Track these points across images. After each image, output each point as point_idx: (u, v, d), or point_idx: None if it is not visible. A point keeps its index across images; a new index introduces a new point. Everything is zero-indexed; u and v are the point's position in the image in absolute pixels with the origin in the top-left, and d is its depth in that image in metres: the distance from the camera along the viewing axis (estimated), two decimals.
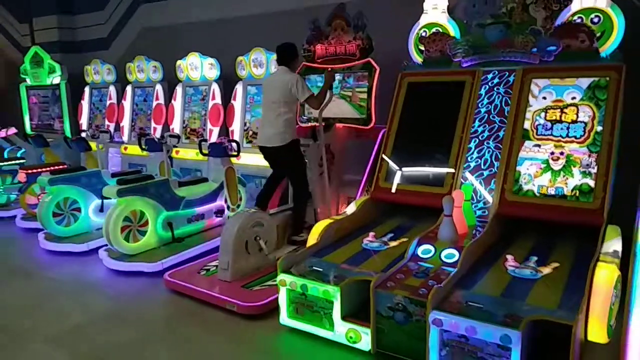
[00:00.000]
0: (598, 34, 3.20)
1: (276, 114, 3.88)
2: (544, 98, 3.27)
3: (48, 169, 5.48)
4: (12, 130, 7.02)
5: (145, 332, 3.14)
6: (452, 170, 3.43)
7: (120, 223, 4.06)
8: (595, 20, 3.26)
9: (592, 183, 2.95)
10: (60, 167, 5.68)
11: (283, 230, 4.08)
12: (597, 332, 2.31)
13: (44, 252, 4.66)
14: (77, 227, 4.83)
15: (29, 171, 5.68)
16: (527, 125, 3.27)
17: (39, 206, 4.75)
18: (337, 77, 4.43)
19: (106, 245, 4.24)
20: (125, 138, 6.83)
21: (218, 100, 5.84)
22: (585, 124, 3.07)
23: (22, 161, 6.47)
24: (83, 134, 6.60)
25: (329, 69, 4.32)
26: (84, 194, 4.86)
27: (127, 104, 6.85)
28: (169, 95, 6.38)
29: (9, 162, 6.38)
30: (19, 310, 3.52)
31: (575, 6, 3.32)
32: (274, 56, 5.14)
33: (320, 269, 2.96)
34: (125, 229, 4.09)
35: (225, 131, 5.76)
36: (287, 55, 4.00)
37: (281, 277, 2.94)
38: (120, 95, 7.03)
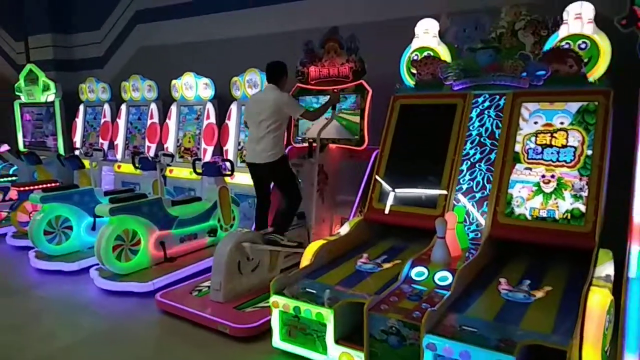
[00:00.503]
0: (586, 60, 3.27)
1: (265, 132, 3.89)
2: (535, 123, 3.32)
3: (40, 186, 5.45)
4: (5, 147, 7.00)
5: (135, 354, 3.10)
6: (445, 192, 3.46)
7: (112, 242, 4.03)
8: (583, 46, 3.34)
9: (583, 207, 2.98)
10: (53, 184, 5.65)
11: (276, 251, 4.06)
12: (592, 358, 2.30)
13: (34, 271, 4.61)
14: (68, 245, 4.79)
15: (21, 188, 5.65)
16: (517, 148, 3.31)
17: (30, 224, 4.72)
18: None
19: (97, 264, 4.20)
20: (118, 156, 6.81)
21: (212, 119, 5.87)
22: (575, 148, 3.12)
23: (14, 178, 6.43)
24: (76, 152, 6.58)
25: (335, 90, 4.37)
26: (76, 212, 4.84)
27: (121, 122, 6.86)
28: (164, 114, 6.40)
29: (1, 179, 6.34)
30: (8, 329, 3.46)
31: (563, 32, 3.40)
32: None
33: (314, 291, 2.95)
34: (117, 248, 4.06)
35: (219, 151, 5.77)
36: (277, 74, 4.02)
37: (274, 298, 2.93)
38: (115, 113, 7.04)
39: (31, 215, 5.21)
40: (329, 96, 4.30)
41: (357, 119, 4.44)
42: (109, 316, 3.64)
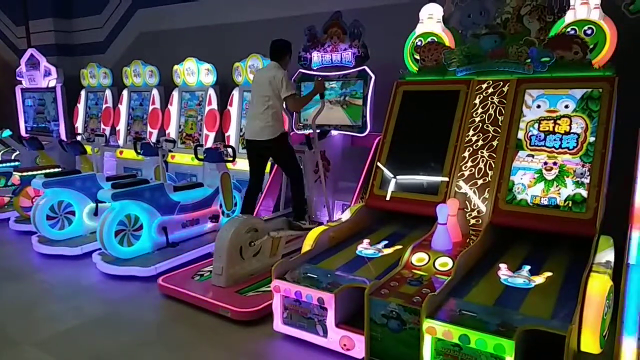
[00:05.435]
0: (591, 46, 3.24)
1: (264, 108, 3.94)
2: (538, 107, 3.30)
3: (42, 171, 5.46)
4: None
5: (137, 337, 3.13)
6: (447, 178, 3.46)
7: (115, 227, 4.05)
8: (589, 32, 3.29)
9: (584, 193, 2.98)
10: (55, 170, 5.66)
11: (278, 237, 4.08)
12: (590, 342, 2.32)
13: (37, 255, 4.64)
14: (71, 230, 4.81)
15: (23, 174, 5.66)
16: (520, 135, 3.30)
17: (33, 209, 4.73)
18: (332, 84, 4.46)
19: (100, 249, 4.22)
20: (120, 142, 6.81)
21: (214, 105, 5.86)
22: (578, 135, 3.10)
23: (16, 163, 6.44)
24: (78, 138, 6.58)
25: (319, 78, 4.35)
26: (79, 197, 4.85)
27: (123, 108, 6.85)
28: (165, 100, 6.38)
29: (3, 164, 6.36)
30: (10, 314, 3.50)
31: (568, 18, 3.36)
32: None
33: (315, 276, 2.97)
34: (119, 233, 4.08)
35: (221, 137, 5.76)
36: (280, 52, 4.08)
37: (275, 283, 2.95)
38: (117, 99, 7.02)
39: (33, 200, 5.23)
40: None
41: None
42: (111, 300, 3.67)
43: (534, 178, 3.16)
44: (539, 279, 2.69)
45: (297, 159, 4.23)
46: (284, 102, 4.10)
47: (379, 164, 3.77)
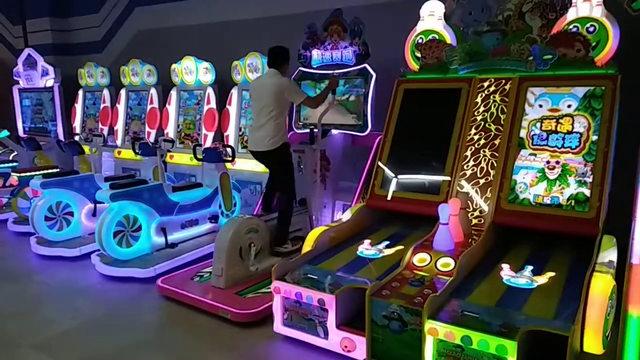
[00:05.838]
0: (593, 44, 3.21)
1: (267, 118, 3.86)
2: (540, 106, 3.28)
3: (40, 172, 5.43)
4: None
5: (136, 339, 3.11)
6: (448, 178, 3.43)
7: (113, 228, 4.02)
8: (591, 29, 3.26)
9: (587, 192, 2.95)
10: (53, 170, 5.63)
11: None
12: (593, 343, 2.30)
13: (35, 256, 4.62)
14: (69, 231, 4.79)
15: (21, 174, 5.63)
16: (522, 134, 3.27)
17: (31, 210, 4.70)
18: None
19: (98, 250, 4.20)
20: (118, 142, 6.77)
21: (213, 105, 5.81)
22: (581, 134, 3.07)
23: (14, 164, 6.40)
24: (76, 138, 6.54)
25: (334, 74, 4.32)
26: (77, 198, 4.82)
27: (121, 107, 6.80)
28: (164, 100, 6.34)
29: (1, 165, 6.32)
30: (8, 315, 3.47)
31: (571, 15, 3.33)
32: None
33: (315, 277, 2.94)
34: (118, 233, 4.06)
35: (220, 136, 5.73)
36: (279, 59, 3.97)
37: (275, 284, 2.92)
38: (114, 98, 6.98)
39: (32, 201, 5.21)
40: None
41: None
42: (110, 301, 3.64)
43: (537, 177, 3.14)
44: (541, 279, 2.67)
45: (293, 178, 4.07)
46: (304, 106, 4.02)
47: (380, 163, 3.75)
